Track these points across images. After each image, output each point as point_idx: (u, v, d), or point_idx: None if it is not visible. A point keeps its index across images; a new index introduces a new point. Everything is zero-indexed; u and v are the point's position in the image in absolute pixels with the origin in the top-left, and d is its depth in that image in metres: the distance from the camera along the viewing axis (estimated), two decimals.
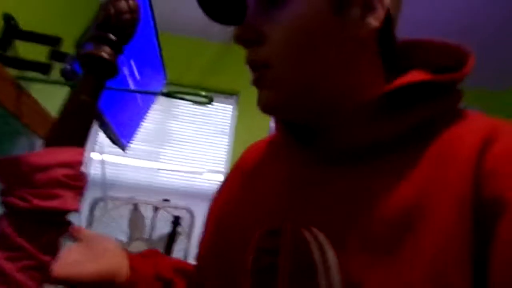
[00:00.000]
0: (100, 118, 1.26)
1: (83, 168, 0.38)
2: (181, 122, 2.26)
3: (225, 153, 2.22)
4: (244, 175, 0.51)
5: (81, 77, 0.42)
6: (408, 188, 0.35)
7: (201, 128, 2.26)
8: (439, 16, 2.05)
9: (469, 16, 2.02)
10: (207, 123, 2.28)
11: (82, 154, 0.39)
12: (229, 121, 2.31)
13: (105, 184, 1.99)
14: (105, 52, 0.43)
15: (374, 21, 0.38)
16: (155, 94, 0.95)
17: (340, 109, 0.40)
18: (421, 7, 1.98)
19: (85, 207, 1.81)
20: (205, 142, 2.23)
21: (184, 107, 2.30)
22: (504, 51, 2.25)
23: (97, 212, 1.79)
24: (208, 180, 2.16)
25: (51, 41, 0.86)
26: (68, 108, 0.40)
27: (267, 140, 0.54)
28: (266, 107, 0.42)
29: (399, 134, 0.37)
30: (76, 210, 0.37)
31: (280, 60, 0.39)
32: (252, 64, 0.41)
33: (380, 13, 0.38)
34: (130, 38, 0.47)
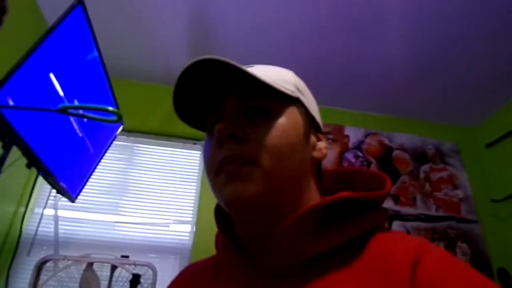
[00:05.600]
0: (41, 167, 1.13)
1: None
2: (144, 170, 2.13)
3: (193, 203, 2.07)
4: None
5: None
6: None
7: (166, 176, 2.13)
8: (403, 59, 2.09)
9: (431, 59, 2.06)
10: (173, 171, 2.16)
11: None
12: (197, 168, 2.20)
13: (57, 242, 1.79)
14: None
15: (324, 149, 0.52)
16: (46, 111, 0.83)
17: (287, 216, 0.44)
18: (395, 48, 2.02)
19: (29, 269, 1.61)
20: (171, 191, 2.09)
21: (146, 154, 2.18)
22: (475, 90, 2.31)
23: (43, 275, 1.58)
24: (175, 231, 1.99)
25: None
26: None
27: (203, 262, 0.60)
28: (240, 197, 0.44)
29: (334, 248, 0.43)
30: None
31: (266, 158, 0.44)
32: (235, 158, 0.44)
33: (324, 145, 0.53)
34: None
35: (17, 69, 0.89)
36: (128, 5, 1.83)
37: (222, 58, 0.44)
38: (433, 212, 2.26)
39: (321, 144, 0.53)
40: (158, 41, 2.05)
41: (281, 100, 0.49)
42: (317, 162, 0.52)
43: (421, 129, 2.57)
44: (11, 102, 0.85)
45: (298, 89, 0.52)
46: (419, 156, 2.46)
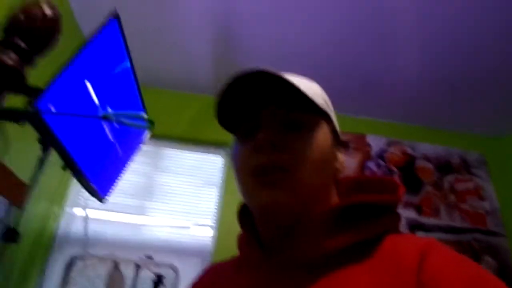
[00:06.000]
0: (74, 168, 1.21)
1: None
2: (168, 174, 2.20)
3: (214, 206, 2.12)
4: None
5: None
6: None
7: (189, 180, 2.19)
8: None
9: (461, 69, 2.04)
10: (196, 175, 2.22)
11: None
12: (219, 173, 2.25)
13: (86, 240, 1.88)
14: (9, 58, 0.39)
15: (343, 161, 0.58)
16: (91, 117, 0.90)
17: (309, 216, 0.49)
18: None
19: (60, 266, 1.69)
20: (194, 195, 2.15)
21: (171, 159, 2.25)
22: (503, 99, 2.26)
23: (73, 272, 1.66)
24: (196, 234, 2.04)
25: None
26: None
27: (224, 262, 0.64)
28: (275, 204, 0.48)
29: (349, 247, 0.46)
30: None
31: (301, 168, 0.48)
32: (274, 165, 0.48)
33: (343, 157, 0.58)
34: (44, 46, 0.43)
35: (58, 78, 0.97)
36: (158, 18, 1.92)
37: (277, 72, 0.48)
38: (457, 224, 2.21)
39: (342, 156, 0.58)
40: (185, 51, 2.13)
41: (315, 113, 0.53)
42: (338, 172, 0.57)
43: (445, 139, 2.53)
44: (52, 109, 0.93)
45: (326, 103, 0.56)
46: (443, 166, 2.42)
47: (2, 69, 0.38)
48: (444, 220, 2.22)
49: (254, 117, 0.54)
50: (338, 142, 0.58)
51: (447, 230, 2.18)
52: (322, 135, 0.52)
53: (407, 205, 2.23)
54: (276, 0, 1.78)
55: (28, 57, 0.41)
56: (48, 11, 0.42)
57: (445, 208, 2.26)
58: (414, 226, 2.16)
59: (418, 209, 2.23)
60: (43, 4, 0.42)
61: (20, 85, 0.40)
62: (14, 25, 0.40)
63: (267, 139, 0.48)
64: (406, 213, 2.20)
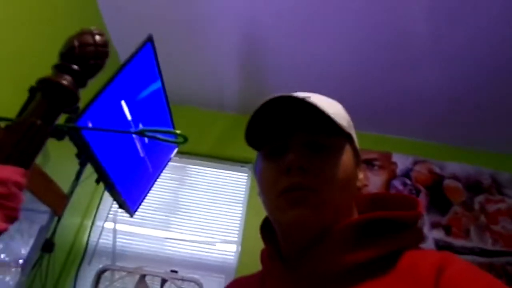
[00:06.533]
0: (108, 182, 1.28)
1: (18, 189, 0.37)
2: (194, 190, 2.25)
3: (239, 223, 2.15)
4: None
5: (36, 101, 0.43)
6: None
7: (214, 197, 2.23)
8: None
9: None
10: (221, 192, 2.26)
11: (20, 174, 0.38)
12: (244, 190, 2.28)
13: (114, 253, 1.94)
14: (65, 80, 0.44)
15: (363, 180, 0.59)
16: (127, 133, 0.96)
17: (328, 231, 0.51)
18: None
19: (91, 277, 1.75)
20: (218, 211, 2.19)
21: (197, 176, 2.31)
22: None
23: (101, 284, 1.72)
24: (220, 250, 2.06)
25: None
26: (16, 127, 0.40)
27: (248, 276, 0.67)
28: (302, 221, 0.51)
29: (369, 261, 0.48)
30: (2, 231, 0.34)
31: (327, 189, 0.51)
32: (300, 186, 0.52)
33: (363, 176, 0.60)
34: (95, 70, 0.48)
35: (96, 98, 1.04)
36: (187, 39, 2.02)
37: (305, 97, 0.52)
38: (489, 246, 2.13)
39: (361, 175, 0.60)
40: (212, 71, 2.21)
41: (339, 135, 0.56)
42: (359, 189, 0.59)
43: (475, 158, 2.46)
44: (90, 125, 1.00)
45: (349, 124, 0.59)
46: (473, 186, 2.35)
47: (58, 89, 0.43)
48: (474, 241, 2.14)
49: (281, 138, 0.57)
50: (359, 161, 0.60)
51: (478, 253, 2.10)
52: (346, 156, 0.55)
53: (435, 225, 2.18)
54: (303, 22, 1.84)
55: (81, 80, 0.46)
56: (98, 38, 0.48)
57: (475, 229, 2.19)
58: (442, 247, 2.10)
59: (447, 230, 2.17)
60: (95, 31, 0.48)
61: (74, 104, 0.45)
62: (69, 50, 0.45)
63: (295, 162, 0.52)
64: (434, 234, 2.15)
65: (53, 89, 0.44)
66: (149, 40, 1.18)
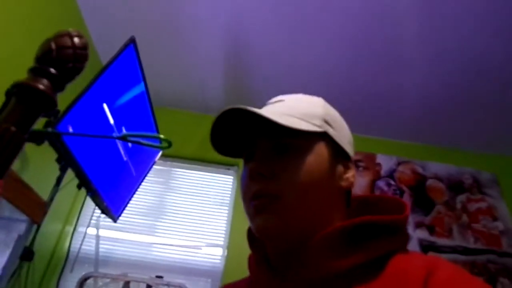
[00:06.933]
0: (90, 187, 1.24)
1: None
2: (179, 194, 2.22)
3: (225, 226, 2.13)
4: None
5: (11, 106, 0.40)
6: None
7: (200, 200, 2.21)
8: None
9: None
10: (207, 195, 2.23)
11: None
12: (229, 193, 2.26)
13: (97, 260, 1.89)
14: (41, 84, 0.42)
15: (351, 178, 0.56)
16: (110, 138, 0.94)
17: (311, 237, 0.49)
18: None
19: (73, 285, 1.70)
20: (204, 214, 2.16)
21: (182, 179, 2.28)
22: None
23: None
24: (207, 254, 2.04)
25: None
26: None
27: (236, 283, 0.65)
28: (266, 228, 0.50)
29: (356, 266, 0.47)
30: None
31: (290, 194, 0.50)
32: (262, 193, 0.51)
33: (351, 174, 0.57)
34: (74, 73, 0.46)
35: (77, 101, 1.01)
36: (171, 41, 1.99)
37: (250, 109, 0.51)
38: (471, 245, 2.17)
39: (349, 173, 0.57)
40: (196, 73, 2.19)
41: (306, 136, 0.53)
42: (346, 189, 0.56)
43: (456, 158, 2.51)
44: (71, 130, 0.97)
45: (326, 121, 0.56)
46: (455, 185, 2.40)
47: (35, 94, 0.41)
48: (457, 240, 2.18)
49: (251, 144, 0.57)
50: (344, 157, 0.58)
51: (461, 251, 2.14)
52: (313, 156, 0.52)
53: (419, 225, 2.21)
54: (287, 25, 1.84)
55: (58, 84, 0.44)
56: (77, 40, 0.46)
57: (458, 228, 2.23)
58: (427, 247, 2.13)
59: (430, 229, 2.20)
60: (73, 33, 0.46)
61: (51, 110, 0.43)
62: (46, 53, 0.44)
63: (254, 169, 0.51)
64: (418, 233, 2.18)
65: (29, 94, 0.42)
66: (132, 42, 1.15)
